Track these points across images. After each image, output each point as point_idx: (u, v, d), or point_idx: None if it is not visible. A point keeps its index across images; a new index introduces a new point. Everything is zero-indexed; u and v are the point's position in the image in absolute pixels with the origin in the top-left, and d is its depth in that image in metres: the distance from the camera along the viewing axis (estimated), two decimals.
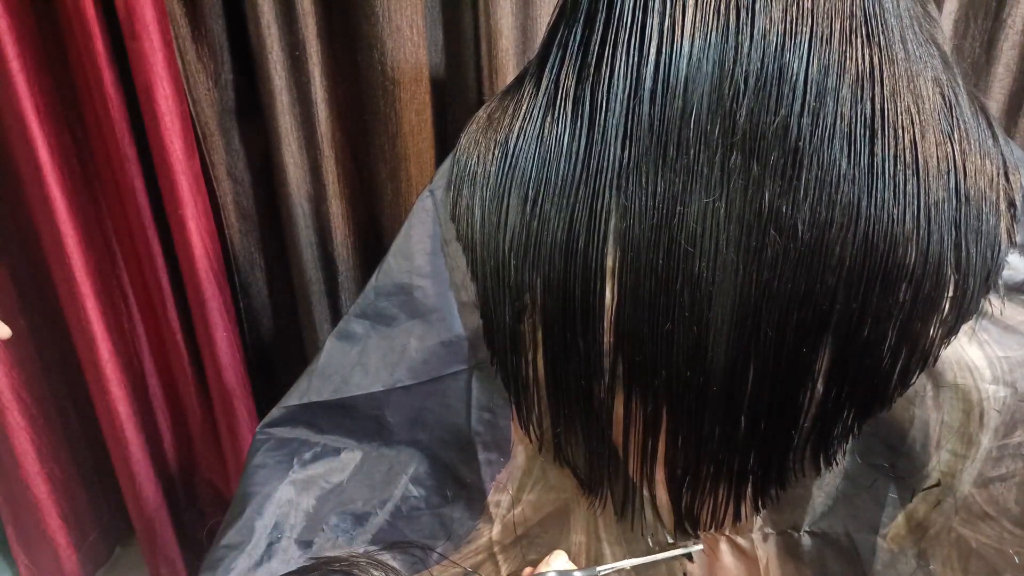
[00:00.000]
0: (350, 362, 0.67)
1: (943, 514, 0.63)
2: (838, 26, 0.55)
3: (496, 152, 0.63)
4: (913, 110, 0.56)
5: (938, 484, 0.62)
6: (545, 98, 0.62)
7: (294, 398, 0.68)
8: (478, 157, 0.64)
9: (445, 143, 1.09)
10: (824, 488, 0.65)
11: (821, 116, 0.55)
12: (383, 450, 0.69)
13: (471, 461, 0.67)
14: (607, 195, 0.59)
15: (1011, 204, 0.59)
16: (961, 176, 0.57)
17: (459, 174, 0.65)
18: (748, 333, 0.59)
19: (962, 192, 0.57)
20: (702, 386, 0.61)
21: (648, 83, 0.57)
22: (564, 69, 0.61)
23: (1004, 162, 0.60)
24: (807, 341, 0.59)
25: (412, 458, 0.69)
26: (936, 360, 0.59)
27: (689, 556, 0.69)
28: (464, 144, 0.66)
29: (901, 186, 0.56)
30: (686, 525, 0.68)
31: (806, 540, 0.67)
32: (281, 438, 0.69)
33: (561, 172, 0.60)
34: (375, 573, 0.53)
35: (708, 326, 0.59)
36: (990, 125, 0.61)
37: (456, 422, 0.67)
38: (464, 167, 0.65)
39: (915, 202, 0.56)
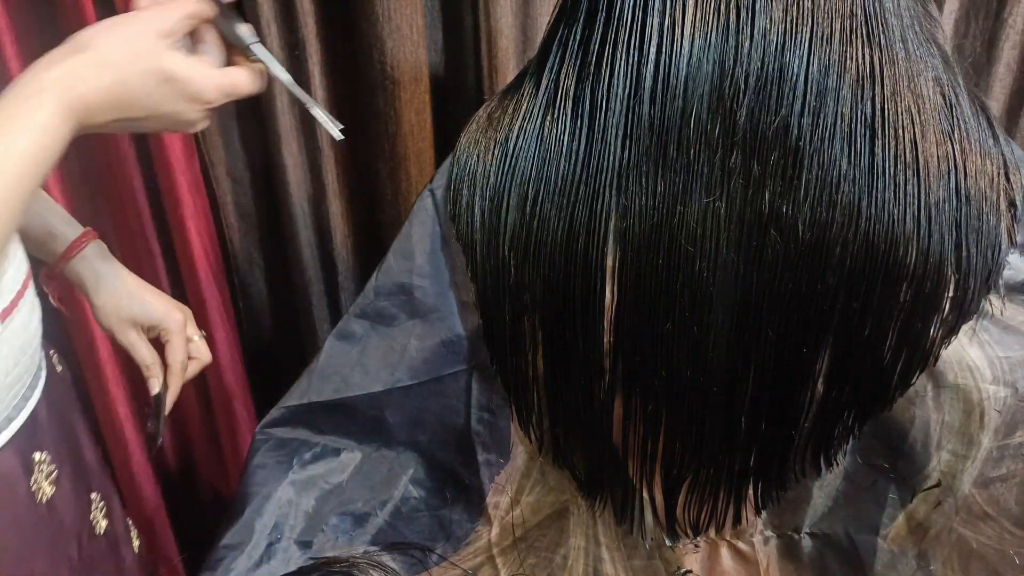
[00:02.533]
0: (350, 362, 0.67)
1: (944, 515, 0.63)
2: (838, 26, 0.55)
3: (496, 152, 0.63)
4: (913, 110, 0.56)
5: (938, 484, 0.62)
6: (545, 97, 0.61)
7: (294, 398, 0.68)
8: (478, 157, 0.64)
9: (445, 143, 1.09)
10: (824, 489, 0.65)
11: (821, 116, 0.55)
12: (383, 451, 0.69)
13: (470, 462, 0.67)
14: (607, 195, 0.58)
15: (1011, 204, 0.59)
16: (961, 176, 0.57)
17: (458, 174, 0.65)
18: (748, 333, 0.59)
19: (962, 192, 0.57)
20: (702, 386, 0.61)
21: (648, 83, 0.57)
22: (564, 68, 0.60)
23: (1004, 162, 0.59)
24: (807, 341, 0.59)
25: (412, 459, 0.69)
26: (937, 360, 0.59)
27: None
28: (464, 144, 0.66)
29: (901, 186, 0.56)
30: (687, 529, 0.68)
31: (806, 542, 0.67)
32: (281, 438, 0.69)
33: (561, 172, 0.60)
34: (374, 574, 0.53)
35: (708, 326, 0.59)
36: (991, 125, 0.61)
37: (456, 422, 0.67)
38: (464, 167, 0.64)
39: (915, 202, 0.56)
